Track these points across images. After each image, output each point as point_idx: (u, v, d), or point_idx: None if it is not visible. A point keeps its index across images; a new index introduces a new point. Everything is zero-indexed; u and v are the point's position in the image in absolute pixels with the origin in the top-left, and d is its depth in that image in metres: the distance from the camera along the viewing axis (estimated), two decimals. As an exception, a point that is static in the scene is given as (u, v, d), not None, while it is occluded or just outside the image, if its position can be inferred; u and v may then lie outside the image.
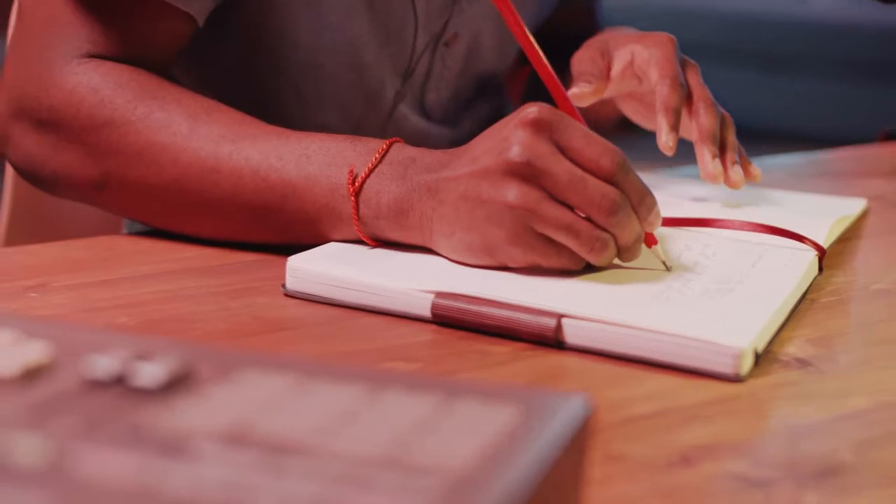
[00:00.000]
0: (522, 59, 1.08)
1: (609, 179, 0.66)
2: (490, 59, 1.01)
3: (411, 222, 0.70)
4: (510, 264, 0.68)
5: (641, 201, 0.67)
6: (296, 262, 0.69)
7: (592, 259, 0.67)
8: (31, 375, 0.37)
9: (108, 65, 0.77)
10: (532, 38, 0.72)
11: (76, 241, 0.79)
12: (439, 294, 0.65)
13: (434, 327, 0.66)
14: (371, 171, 0.71)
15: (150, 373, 0.37)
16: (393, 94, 0.94)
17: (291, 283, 0.69)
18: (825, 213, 0.86)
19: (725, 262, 0.73)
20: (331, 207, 0.72)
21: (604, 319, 0.62)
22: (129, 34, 0.78)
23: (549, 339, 0.63)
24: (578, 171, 0.65)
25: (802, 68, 3.83)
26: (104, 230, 0.99)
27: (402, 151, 0.72)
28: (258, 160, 0.73)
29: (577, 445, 0.38)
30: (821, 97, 3.80)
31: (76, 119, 0.76)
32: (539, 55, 0.73)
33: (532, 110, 0.66)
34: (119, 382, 0.37)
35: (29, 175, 0.81)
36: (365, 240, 0.72)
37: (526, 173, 0.65)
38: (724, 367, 0.60)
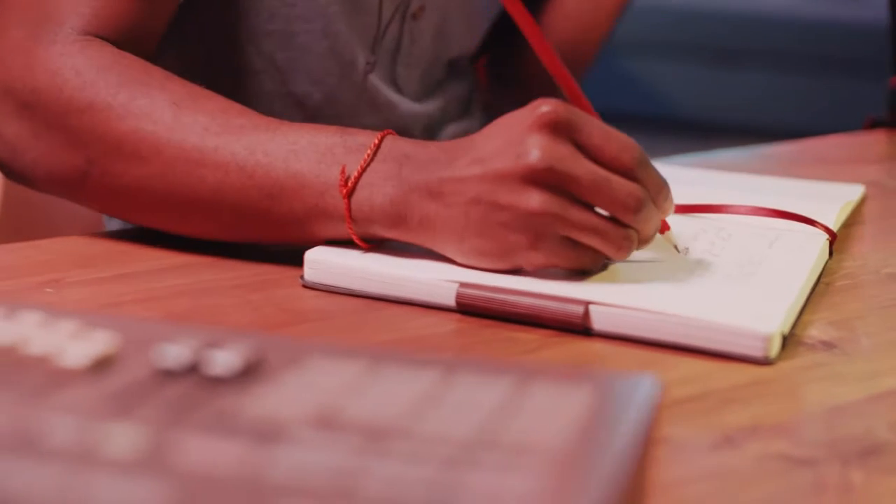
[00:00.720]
0: (480, 49, 1.08)
1: (630, 175, 0.64)
2: (459, 41, 1.01)
3: (411, 225, 0.67)
4: (528, 268, 0.66)
5: (659, 192, 0.66)
6: (314, 254, 0.69)
7: (618, 257, 0.65)
8: (102, 366, 0.37)
9: (96, 46, 0.74)
10: (537, 26, 0.70)
11: (80, 238, 0.78)
12: (464, 284, 0.65)
13: (457, 316, 0.65)
14: (363, 169, 0.68)
15: (224, 361, 0.37)
16: (364, 64, 0.93)
17: (310, 275, 0.69)
18: (830, 199, 0.86)
19: (742, 245, 0.73)
20: (321, 208, 0.69)
21: (632, 306, 0.62)
22: (120, 6, 0.77)
23: (577, 326, 0.63)
24: (601, 172, 0.64)
25: (753, 63, 3.85)
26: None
27: (395, 146, 0.69)
28: (244, 156, 0.70)
29: (653, 425, 0.38)
30: (772, 91, 3.82)
31: (57, 102, 0.73)
32: (545, 43, 0.71)
33: (547, 109, 0.64)
34: (192, 371, 0.37)
35: (6, 165, 0.78)
36: (357, 241, 0.69)
37: (548, 178, 0.63)
38: (755, 351, 0.60)
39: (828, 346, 0.63)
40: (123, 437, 0.31)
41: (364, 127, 0.95)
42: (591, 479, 0.30)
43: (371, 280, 0.67)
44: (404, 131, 1.00)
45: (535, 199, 0.63)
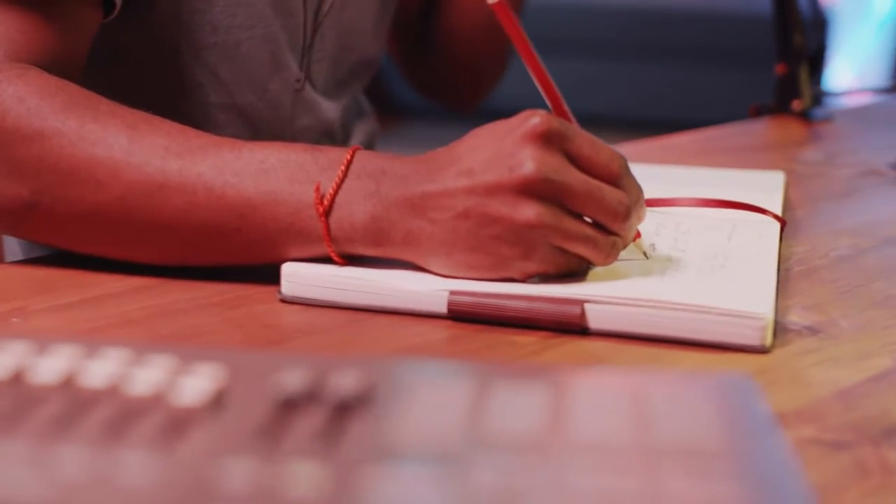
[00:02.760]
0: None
1: (617, 183, 0.65)
2: (362, 40, 1.01)
3: (394, 241, 0.66)
4: (518, 277, 0.65)
5: (637, 200, 0.66)
6: (291, 268, 0.68)
7: (605, 264, 0.66)
8: (219, 401, 0.35)
9: (33, 73, 0.71)
10: (524, 33, 0.70)
11: (22, 266, 0.74)
12: (454, 291, 0.65)
13: (447, 322, 0.65)
14: (339, 186, 0.66)
15: (345, 386, 0.36)
16: (296, 66, 0.92)
17: (288, 289, 0.68)
18: (767, 187, 0.89)
19: (703, 238, 0.75)
20: (297, 228, 0.67)
21: (629, 300, 0.63)
22: (47, 26, 0.73)
23: (574, 326, 0.63)
24: (592, 181, 0.64)
25: (632, 55, 3.93)
26: None
27: (368, 161, 0.67)
28: (212, 176, 0.67)
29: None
30: (652, 84, 3.91)
31: (0, 132, 0.70)
32: (532, 52, 0.70)
33: (538, 121, 0.64)
34: (312, 400, 0.36)
35: None
36: (335, 258, 0.67)
37: (543, 189, 0.63)
38: (752, 340, 0.61)
39: (812, 331, 0.65)
40: (308, 476, 0.30)
41: (299, 128, 0.95)
42: (784, 483, 0.30)
43: (355, 292, 0.66)
44: (329, 130, 1.00)
45: (529, 211, 0.63)
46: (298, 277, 0.67)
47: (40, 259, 0.75)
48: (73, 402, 0.35)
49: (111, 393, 0.36)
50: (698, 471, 0.30)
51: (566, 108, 0.69)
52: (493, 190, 0.64)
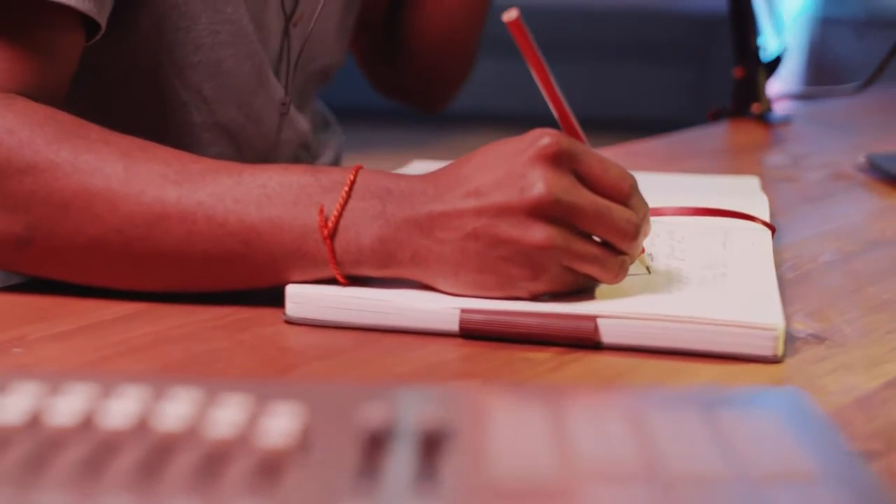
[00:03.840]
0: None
1: (626, 202, 0.65)
2: (330, 53, 1.01)
3: (401, 262, 0.65)
4: (525, 297, 0.65)
5: (645, 217, 0.66)
6: (296, 289, 0.67)
7: (613, 282, 0.66)
8: (305, 441, 0.35)
9: (20, 102, 0.69)
10: (537, 50, 0.68)
11: (15, 294, 0.72)
12: (465, 310, 0.64)
13: (459, 341, 0.65)
14: (343, 208, 0.65)
15: (427, 418, 0.35)
16: (276, 81, 0.92)
17: (294, 310, 0.67)
18: (747, 192, 0.90)
19: (699, 247, 0.75)
20: (302, 252, 0.66)
21: (642, 315, 0.63)
22: (31, 53, 0.71)
23: (587, 342, 0.63)
24: (602, 201, 0.64)
25: (585, 55, 3.95)
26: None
27: (372, 181, 0.66)
28: (212, 204, 0.66)
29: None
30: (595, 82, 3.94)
31: None
32: (545, 69, 0.68)
33: (548, 141, 0.63)
34: (392, 433, 0.35)
35: None
36: (340, 280, 0.66)
37: (554, 211, 0.63)
38: (765, 350, 0.62)
39: (818, 338, 0.66)
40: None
41: (281, 143, 0.94)
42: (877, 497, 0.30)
43: (364, 311, 0.66)
44: (305, 143, 0.99)
45: (539, 233, 0.63)
46: (304, 299, 0.67)
47: (29, 286, 0.73)
48: (154, 446, 0.35)
49: (190, 436, 0.35)
50: (799, 496, 0.31)
51: (577, 125, 0.68)
52: (503, 211, 0.63)
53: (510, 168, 0.64)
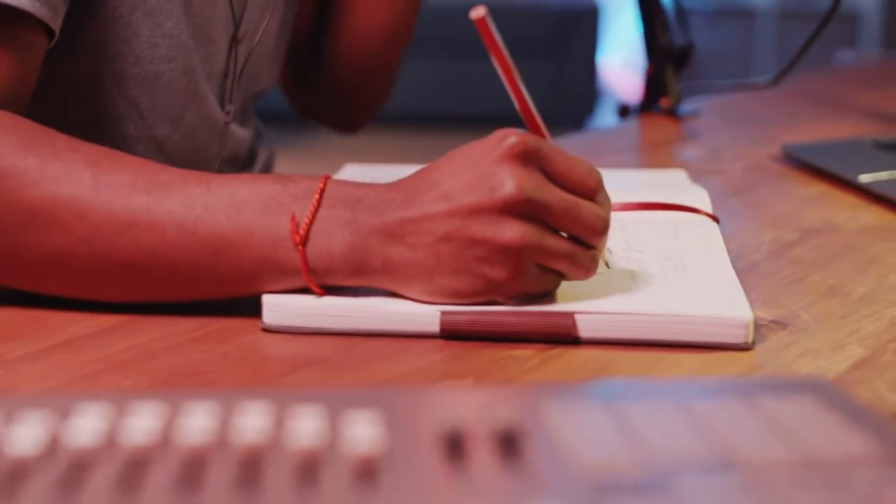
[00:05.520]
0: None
1: (593, 198, 0.66)
2: (269, 71, 1.02)
3: (373, 269, 0.66)
4: (499, 299, 0.66)
5: (609, 212, 0.68)
6: (273, 297, 0.67)
7: (584, 278, 0.67)
8: (386, 452, 0.36)
9: None
10: (503, 48, 0.69)
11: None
12: (445, 312, 0.66)
13: (440, 342, 0.66)
14: (314, 216, 0.66)
15: (500, 421, 0.37)
16: (215, 97, 0.91)
17: (271, 319, 0.67)
18: (684, 185, 0.93)
19: (652, 240, 0.78)
20: (273, 261, 0.66)
21: (619, 310, 0.65)
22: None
23: (566, 337, 0.65)
24: (570, 197, 0.65)
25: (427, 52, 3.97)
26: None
27: (342, 190, 0.67)
28: (182, 213, 0.66)
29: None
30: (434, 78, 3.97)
31: None
32: (510, 68, 0.68)
33: (515, 140, 0.64)
34: (470, 439, 0.36)
35: None
36: (313, 289, 0.66)
37: (525, 209, 0.64)
38: (736, 339, 0.65)
39: (780, 324, 0.69)
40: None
41: (219, 157, 0.94)
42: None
43: (344, 317, 0.67)
44: (235, 156, 0.99)
45: (512, 231, 0.64)
46: (281, 307, 0.67)
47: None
48: (240, 461, 0.35)
49: (275, 448, 0.36)
50: (887, 478, 0.33)
51: (541, 123, 0.70)
52: (475, 212, 0.64)
53: (478, 170, 0.65)
